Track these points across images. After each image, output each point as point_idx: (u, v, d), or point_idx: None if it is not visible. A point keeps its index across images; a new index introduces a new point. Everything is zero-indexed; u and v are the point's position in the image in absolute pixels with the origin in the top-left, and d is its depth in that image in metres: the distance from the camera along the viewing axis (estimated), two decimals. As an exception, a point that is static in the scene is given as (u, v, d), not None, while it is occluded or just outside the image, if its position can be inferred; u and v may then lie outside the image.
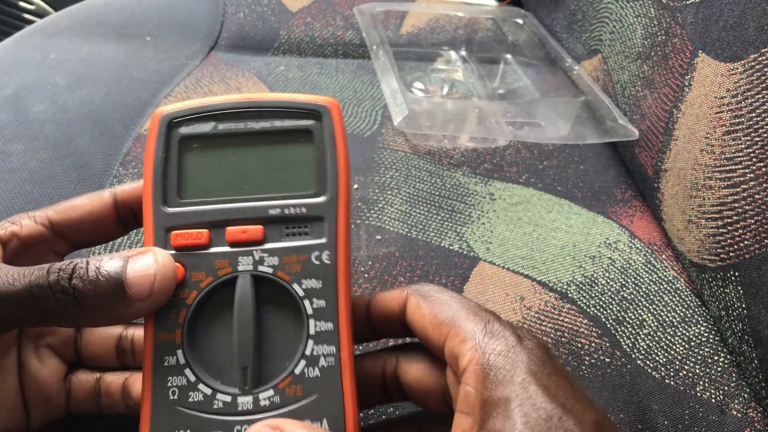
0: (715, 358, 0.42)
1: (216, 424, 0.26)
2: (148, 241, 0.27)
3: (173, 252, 0.27)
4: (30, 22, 0.96)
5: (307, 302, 0.27)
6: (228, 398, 0.26)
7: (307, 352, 0.27)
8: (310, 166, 0.28)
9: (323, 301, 0.27)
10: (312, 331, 0.27)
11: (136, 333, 0.32)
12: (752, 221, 0.40)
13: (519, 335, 0.25)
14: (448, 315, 0.26)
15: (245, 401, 0.26)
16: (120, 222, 0.30)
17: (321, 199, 0.28)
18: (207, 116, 0.28)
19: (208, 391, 0.26)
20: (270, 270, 0.27)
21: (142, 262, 0.25)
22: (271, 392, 0.26)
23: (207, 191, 0.28)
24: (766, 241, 0.38)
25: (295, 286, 0.27)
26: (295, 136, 0.29)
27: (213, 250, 0.27)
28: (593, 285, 0.45)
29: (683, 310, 0.45)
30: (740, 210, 0.41)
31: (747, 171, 0.40)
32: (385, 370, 0.30)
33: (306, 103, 0.29)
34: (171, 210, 0.27)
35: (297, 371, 0.27)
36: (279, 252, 0.27)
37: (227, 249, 0.27)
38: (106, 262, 0.24)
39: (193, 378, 0.26)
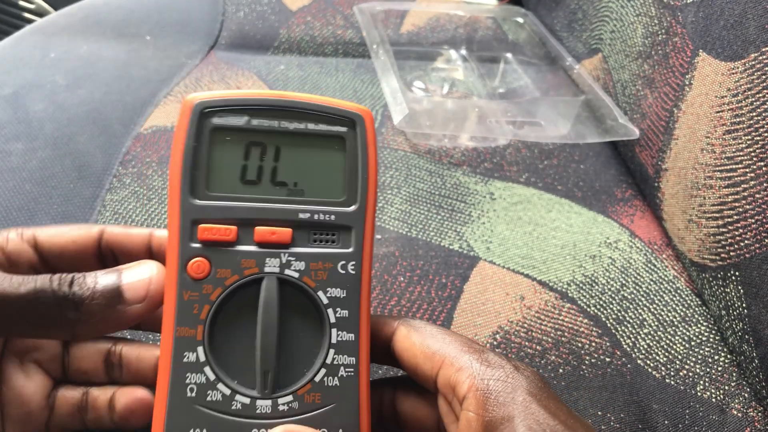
0: (716, 357, 0.42)
1: (233, 426, 0.25)
2: (173, 231, 0.27)
3: (199, 245, 0.27)
4: (30, 21, 0.96)
5: (330, 311, 0.27)
6: (247, 400, 0.26)
7: (328, 360, 0.27)
8: (341, 173, 0.28)
9: (346, 312, 0.27)
10: (334, 340, 0.27)
11: (125, 348, 0.31)
12: (753, 221, 0.40)
13: (516, 365, 0.26)
14: (441, 346, 0.27)
15: (264, 405, 0.26)
16: (99, 259, 0.30)
17: (351, 209, 0.28)
18: (241, 109, 0.28)
19: (227, 392, 0.26)
20: (296, 275, 0.27)
21: (138, 270, 0.27)
22: (290, 398, 0.26)
23: (236, 187, 0.28)
24: (766, 240, 0.38)
25: (320, 294, 0.27)
26: (328, 142, 0.28)
27: (240, 248, 0.27)
28: (593, 284, 0.45)
29: (683, 309, 0.45)
30: (741, 209, 0.40)
31: (747, 170, 0.40)
32: (381, 401, 0.30)
33: (341, 110, 0.29)
34: (199, 202, 0.27)
35: (317, 379, 0.26)
36: (306, 257, 0.27)
37: (254, 248, 0.27)
38: (101, 275, 0.26)
39: (212, 376, 0.26)
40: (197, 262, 0.26)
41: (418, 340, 0.27)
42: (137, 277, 0.26)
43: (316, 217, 0.28)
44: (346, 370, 0.27)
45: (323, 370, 0.26)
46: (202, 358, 0.26)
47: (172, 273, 0.26)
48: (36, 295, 0.24)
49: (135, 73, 0.60)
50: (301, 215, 0.28)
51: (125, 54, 0.62)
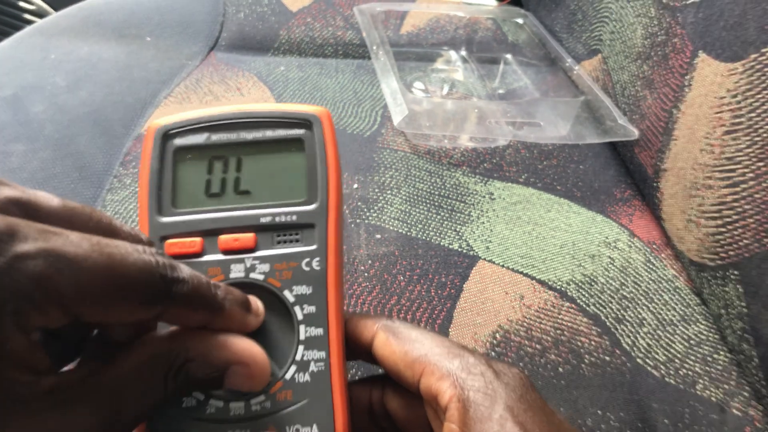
0: (715, 356, 0.42)
1: (208, 430, 0.26)
2: None
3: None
4: (30, 22, 0.96)
5: (297, 308, 0.27)
6: (220, 404, 0.26)
7: (298, 357, 0.27)
8: (301, 174, 0.29)
9: (313, 307, 0.28)
10: (302, 337, 0.27)
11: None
12: (752, 220, 0.40)
13: (496, 370, 0.26)
14: (421, 353, 0.27)
15: (237, 407, 0.26)
16: None
17: (311, 207, 0.29)
18: (201, 128, 0.29)
19: (201, 397, 0.26)
20: (261, 277, 0.28)
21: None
22: (262, 397, 0.26)
23: (200, 200, 0.28)
24: (765, 240, 0.39)
25: (286, 293, 0.28)
26: (287, 146, 0.29)
27: (206, 258, 0.28)
28: (593, 284, 0.45)
29: (683, 308, 0.45)
30: (740, 209, 0.41)
31: (747, 170, 0.40)
32: (371, 399, 0.30)
33: (297, 113, 0.29)
34: (165, 219, 0.28)
35: (288, 376, 0.27)
36: (270, 259, 0.28)
37: (220, 257, 0.28)
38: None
39: None
40: None
41: (398, 347, 0.27)
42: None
43: (277, 219, 0.28)
44: (317, 365, 0.27)
45: (293, 367, 0.27)
46: None
47: None
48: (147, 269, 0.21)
49: (135, 74, 0.60)
50: (263, 219, 0.28)
51: (126, 55, 0.62)
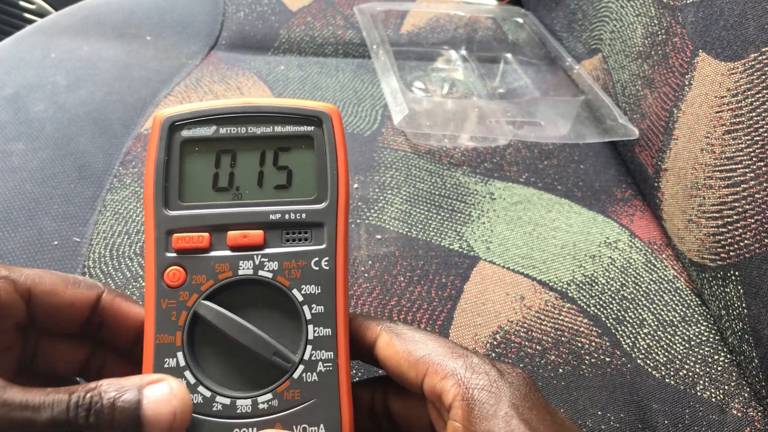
0: (715, 357, 0.42)
1: (215, 427, 0.26)
2: (150, 242, 0.27)
3: (174, 255, 0.27)
4: (31, 21, 0.96)
5: (306, 308, 0.27)
6: (227, 401, 0.26)
7: (306, 357, 0.27)
8: (310, 172, 0.29)
9: (322, 307, 0.28)
10: (311, 336, 0.27)
11: (105, 364, 0.30)
12: (752, 220, 0.40)
13: (500, 369, 0.26)
14: (424, 353, 0.27)
15: (244, 404, 0.26)
16: (87, 321, 0.28)
17: (321, 206, 0.28)
18: (209, 120, 0.29)
19: (208, 394, 0.26)
20: (270, 275, 0.28)
21: (162, 398, 0.24)
22: (269, 396, 0.27)
23: (208, 195, 0.28)
24: (766, 240, 0.38)
25: (295, 292, 0.28)
26: (296, 142, 0.29)
27: (214, 253, 0.28)
28: (593, 284, 0.45)
29: (683, 309, 0.45)
30: (740, 209, 0.41)
31: (747, 170, 0.40)
32: (373, 400, 0.30)
33: (307, 110, 0.29)
34: (172, 213, 0.28)
35: (295, 376, 0.27)
36: (279, 257, 0.28)
37: (228, 253, 0.28)
38: (122, 395, 0.23)
39: (193, 380, 0.26)
40: (173, 271, 0.27)
41: (402, 348, 0.27)
42: (161, 408, 0.24)
43: (287, 216, 0.28)
44: (325, 365, 0.27)
45: (301, 367, 0.27)
46: (182, 363, 0.27)
47: (150, 283, 0.27)
48: (53, 422, 0.22)
49: (135, 73, 0.60)
50: (272, 216, 0.28)
51: (126, 54, 0.62)
